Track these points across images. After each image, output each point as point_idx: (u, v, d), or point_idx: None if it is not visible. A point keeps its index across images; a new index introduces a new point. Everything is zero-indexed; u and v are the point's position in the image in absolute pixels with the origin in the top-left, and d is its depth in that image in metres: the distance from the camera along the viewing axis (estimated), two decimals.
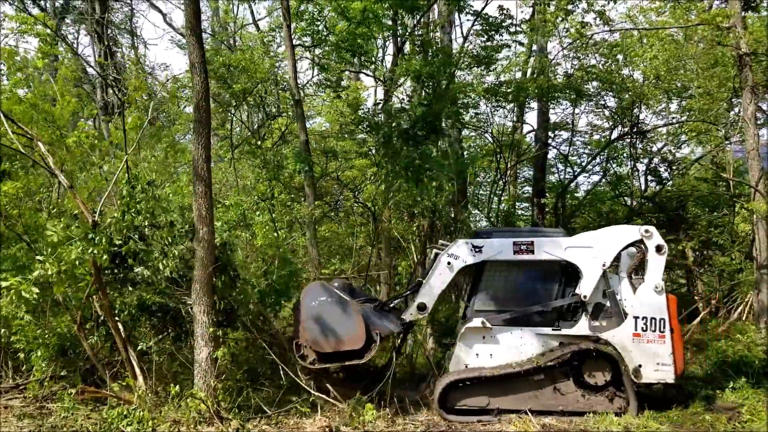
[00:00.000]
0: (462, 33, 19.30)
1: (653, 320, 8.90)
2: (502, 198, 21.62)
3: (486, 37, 17.21)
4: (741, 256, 14.70)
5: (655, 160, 18.35)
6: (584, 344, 8.96)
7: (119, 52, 23.61)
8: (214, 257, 8.63)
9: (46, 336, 8.87)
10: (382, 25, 16.31)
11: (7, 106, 10.23)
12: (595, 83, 17.82)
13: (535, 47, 19.71)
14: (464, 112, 18.56)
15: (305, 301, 9.08)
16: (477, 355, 9.24)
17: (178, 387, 8.38)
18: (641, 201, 17.72)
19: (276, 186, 16.26)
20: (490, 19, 17.00)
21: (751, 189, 12.78)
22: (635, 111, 17.70)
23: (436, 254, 9.63)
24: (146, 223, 8.86)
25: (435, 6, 18.82)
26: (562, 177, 21.24)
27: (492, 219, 19.87)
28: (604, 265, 9.05)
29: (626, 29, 16.99)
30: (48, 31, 14.74)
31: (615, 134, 19.01)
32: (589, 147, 21.04)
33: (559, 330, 9.16)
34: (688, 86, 16.70)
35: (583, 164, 20.08)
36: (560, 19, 15.73)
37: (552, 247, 9.20)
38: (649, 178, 18.43)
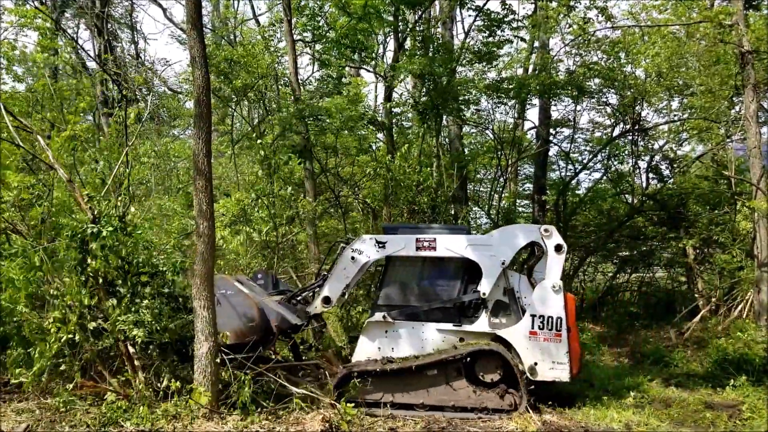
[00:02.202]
0: (463, 29, 19.24)
1: (550, 319, 8.92)
2: (503, 195, 21.59)
3: (488, 32, 17.15)
4: (742, 254, 14.68)
5: (657, 157, 18.28)
6: (476, 342, 9.06)
7: (119, 47, 23.56)
8: (214, 252, 8.61)
9: (45, 331, 8.81)
10: (383, 21, 16.27)
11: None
12: (597, 80, 17.73)
13: (537, 43, 19.65)
14: (465, 109, 18.52)
15: None
16: (379, 349, 9.36)
17: (178, 382, 8.36)
18: (642, 198, 17.67)
19: (276, 182, 16.24)
20: (492, 14, 16.95)
21: (753, 187, 12.76)
22: (637, 108, 17.62)
23: (342, 248, 9.73)
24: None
25: (436, 1, 18.78)
26: (563, 174, 21.19)
27: (492, 216, 19.84)
28: (503, 264, 9.12)
29: (628, 26, 16.94)
30: (48, 24, 14.68)
31: (616, 131, 18.96)
32: (590, 144, 20.99)
33: (460, 326, 9.23)
34: (690, 84, 16.62)
35: (585, 161, 20.03)
36: (562, 15, 15.65)
37: (453, 245, 9.28)
38: (651, 175, 18.36)
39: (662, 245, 18.08)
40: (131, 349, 8.74)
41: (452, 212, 17.37)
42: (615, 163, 19.29)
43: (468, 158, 19.46)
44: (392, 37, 17.37)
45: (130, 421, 7.73)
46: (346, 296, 10.19)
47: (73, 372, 8.52)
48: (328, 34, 17.08)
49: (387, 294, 9.69)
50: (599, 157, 19.55)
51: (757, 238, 12.57)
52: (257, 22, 22.88)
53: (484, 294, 9.11)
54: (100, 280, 8.77)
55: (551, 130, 20.31)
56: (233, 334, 8.87)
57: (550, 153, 20.90)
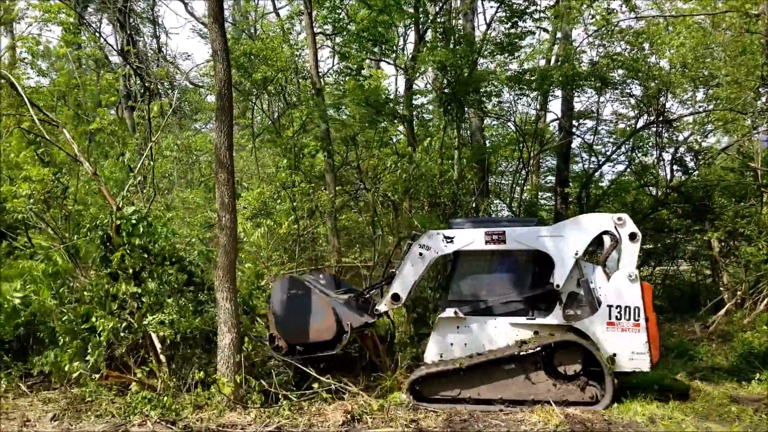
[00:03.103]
0: (485, 20, 19.00)
1: (627, 309, 8.79)
2: (525, 188, 21.45)
3: (509, 24, 17.00)
4: None
5: (681, 149, 18.06)
6: (558, 334, 8.91)
7: (141, 41, 23.74)
8: (236, 244, 8.67)
9: (73, 322, 8.93)
10: (404, 13, 16.19)
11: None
12: (620, 71, 17.53)
13: (559, 34, 19.45)
14: (487, 101, 18.40)
15: (276, 294, 9.26)
16: (451, 345, 9.25)
17: (201, 373, 8.44)
18: (666, 191, 17.47)
19: (297, 174, 16.29)
20: (514, 5, 16.79)
21: None
22: (661, 99, 17.41)
23: (409, 245, 9.62)
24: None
25: None
26: (586, 166, 20.97)
27: (514, 209, 19.72)
28: (576, 254, 8.96)
29: (653, 16, 16.73)
30: (71, 19, 14.85)
31: (640, 123, 18.74)
32: (614, 136, 20.76)
33: (533, 319, 9.11)
34: (716, 74, 16.40)
35: (608, 153, 19.84)
36: (585, 5, 15.51)
37: (524, 237, 9.14)
38: (675, 167, 18.15)
39: (687, 238, 17.84)
40: (157, 342, 8.83)
41: (473, 205, 17.29)
42: (639, 155, 19.10)
43: (489, 150, 19.34)
44: (413, 29, 17.29)
45: (154, 411, 7.82)
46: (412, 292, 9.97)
47: (99, 363, 8.62)
48: (348, 26, 17.04)
49: (457, 289, 9.55)
50: (623, 149, 19.35)
51: None
52: (277, 15, 22.89)
53: (557, 286, 8.95)
54: (128, 272, 8.85)
55: (574, 122, 20.12)
56: (307, 334, 8.95)
57: (573, 145, 20.71)
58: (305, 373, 9.05)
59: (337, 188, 15.60)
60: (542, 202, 22.46)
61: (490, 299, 9.34)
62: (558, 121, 20.72)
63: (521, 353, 8.89)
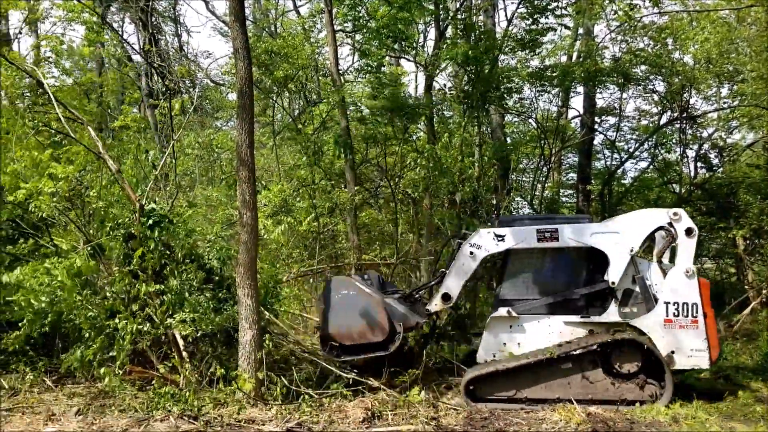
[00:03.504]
0: (506, 16, 18.97)
1: (685, 305, 8.64)
2: (546, 185, 21.32)
3: (531, 20, 16.89)
4: None
5: (705, 146, 17.88)
6: (615, 332, 8.77)
7: (163, 40, 23.95)
8: (257, 241, 8.71)
9: (98, 318, 9.03)
10: (424, 10, 16.15)
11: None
12: (643, 67, 17.38)
13: (581, 30, 19.32)
14: (508, 97, 18.31)
15: (329, 294, 9.21)
16: (504, 344, 9.15)
17: (222, 369, 8.51)
18: (690, 188, 17.28)
19: (317, 172, 16.34)
20: (536, 1, 16.68)
21: None
22: (685, 95, 17.23)
23: (459, 244, 9.51)
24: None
25: None
26: (608, 163, 20.83)
27: (535, 206, 19.62)
28: (631, 251, 8.83)
29: (676, 11, 16.54)
30: (94, 19, 15.01)
31: (664, 119, 18.56)
32: (636, 132, 20.61)
33: (588, 317, 8.99)
34: (741, 70, 16.20)
35: (631, 150, 19.66)
36: (607, 1, 15.35)
37: (577, 234, 9.01)
38: (699, 164, 17.97)
39: (711, 236, 17.63)
40: (179, 339, 8.90)
41: (494, 202, 17.23)
42: (662, 151, 18.88)
43: (510, 147, 19.26)
44: (433, 25, 17.26)
45: (176, 407, 7.89)
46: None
47: (123, 358, 8.71)
48: (368, 23, 17.04)
49: (509, 288, 9.44)
50: (646, 146, 19.18)
51: None
52: (297, 12, 22.97)
53: (613, 283, 8.83)
54: (149, 272, 8.93)
55: (596, 119, 19.98)
56: (359, 334, 8.94)
57: (595, 142, 20.57)
58: (326, 369, 9.09)
59: (356, 187, 15.62)
60: (563, 199, 22.32)
61: (543, 297, 9.22)
62: (580, 118, 20.60)
63: (578, 352, 8.76)
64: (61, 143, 10.69)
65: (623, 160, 19.50)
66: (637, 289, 8.87)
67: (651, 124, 19.64)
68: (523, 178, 23.34)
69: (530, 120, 20.94)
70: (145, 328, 8.71)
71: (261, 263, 10.27)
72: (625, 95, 19.43)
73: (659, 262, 8.98)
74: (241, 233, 8.58)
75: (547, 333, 9.05)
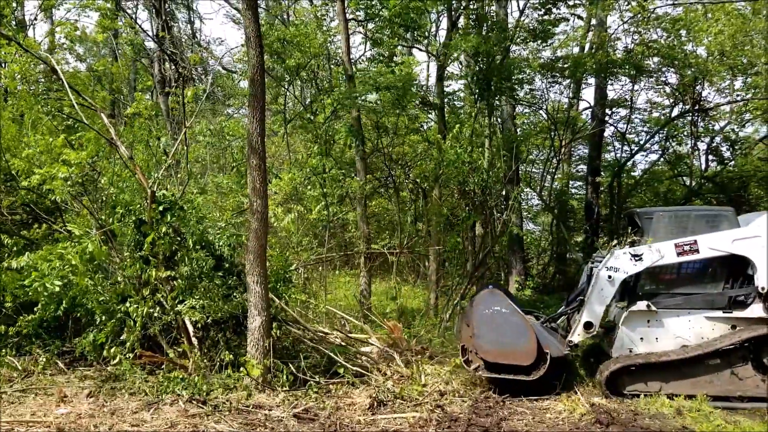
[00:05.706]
0: (518, 6, 18.85)
1: None
2: (556, 176, 21.31)
3: (543, 10, 16.83)
4: None
5: (717, 139, 17.79)
6: (753, 328, 8.60)
7: (176, 27, 24.02)
8: (267, 229, 8.79)
9: (110, 301, 9.16)
10: None
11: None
12: (656, 59, 17.29)
13: (593, 21, 19.21)
14: (518, 88, 18.27)
15: (478, 308, 9.08)
16: (641, 339, 9.00)
17: (231, 355, 8.62)
18: (701, 181, 17.22)
19: (327, 161, 16.38)
20: None
21: None
22: (697, 88, 17.15)
23: (592, 269, 9.34)
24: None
25: None
26: (618, 155, 20.78)
27: (544, 197, 19.62)
28: None
29: (690, 3, 16.41)
30: (108, 5, 15.08)
31: (675, 112, 18.50)
32: (647, 125, 20.51)
33: (731, 313, 8.81)
34: (755, 63, 16.05)
35: (641, 142, 19.58)
36: None
37: (717, 243, 8.78)
38: (710, 157, 17.91)
39: None
40: (189, 325, 9.02)
41: (503, 193, 17.23)
42: (673, 144, 18.85)
43: (520, 138, 19.23)
44: (445, 15, 17.22)
45: (186, 391, 8.00)
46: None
47: (134, 342, 8.83)
48: (381, 12, 17.02)
49: (649, 282, 9.27)
50: (657, 138, 19.13)
51: None
52: (310, 1, 22.96)
53: (762, 289, 8.59)
54: (159, 257, 9.04)
55: (607, 110, 19.90)
56: (505, 354, 8.68)
57: (606, 133, 20.50)
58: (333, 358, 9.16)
59: (367, 176, 15.66)
60: (573, 191, 22.27)
61: (684, 292, 9.09)
62: (591, 110, 20.53)
63: (727, 347, 8.57)
64: (74, 128, 10.78)
65: (634, 152, 19.45)
66: None
67: (662, 117, 19.57)
68: (533, 170, 23.32)
69: (541, 111, 20.90)
70: (156, 313, 8.84)
71: (271, 251, 10.36)
72: (636, 87, 19.38)
73: None
74: (251, 221, 8.66)
75: (687, 328, 8.91)
